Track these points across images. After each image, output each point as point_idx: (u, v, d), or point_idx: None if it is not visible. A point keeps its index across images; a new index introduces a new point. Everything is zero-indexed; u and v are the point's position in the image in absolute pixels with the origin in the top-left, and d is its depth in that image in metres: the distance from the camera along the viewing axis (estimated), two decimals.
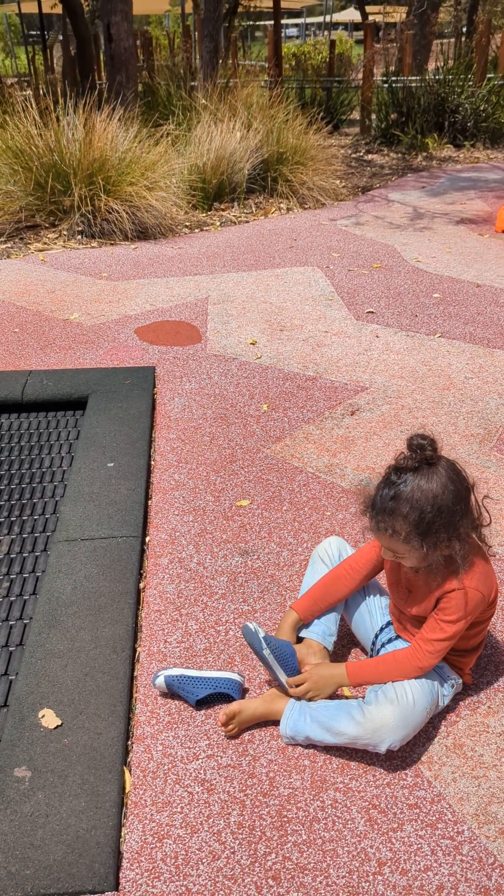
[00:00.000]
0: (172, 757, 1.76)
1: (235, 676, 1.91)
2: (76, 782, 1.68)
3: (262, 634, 1.85)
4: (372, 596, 2.01)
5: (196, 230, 6.44)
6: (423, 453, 1.61)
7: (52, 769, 1.71)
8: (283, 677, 1.84)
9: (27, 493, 2.80)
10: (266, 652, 1.83)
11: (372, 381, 3.61)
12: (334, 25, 34.01)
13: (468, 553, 1.66)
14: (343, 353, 3.92)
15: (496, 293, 4.78)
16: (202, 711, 1.88)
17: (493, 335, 4.12)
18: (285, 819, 1.62)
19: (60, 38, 17.75)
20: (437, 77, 10.40)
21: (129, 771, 1.74)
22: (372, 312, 4.48)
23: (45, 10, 18.03)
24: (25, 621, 2.21)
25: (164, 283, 5.03)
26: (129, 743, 1.81)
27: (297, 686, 1.81)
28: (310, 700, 1.81)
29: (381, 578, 2.28)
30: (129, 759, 1.77)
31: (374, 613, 1.99)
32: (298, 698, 1.82)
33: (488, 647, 2.07)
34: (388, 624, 1.96)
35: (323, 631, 1.96)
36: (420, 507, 1.58)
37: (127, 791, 1.69)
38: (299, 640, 1.99)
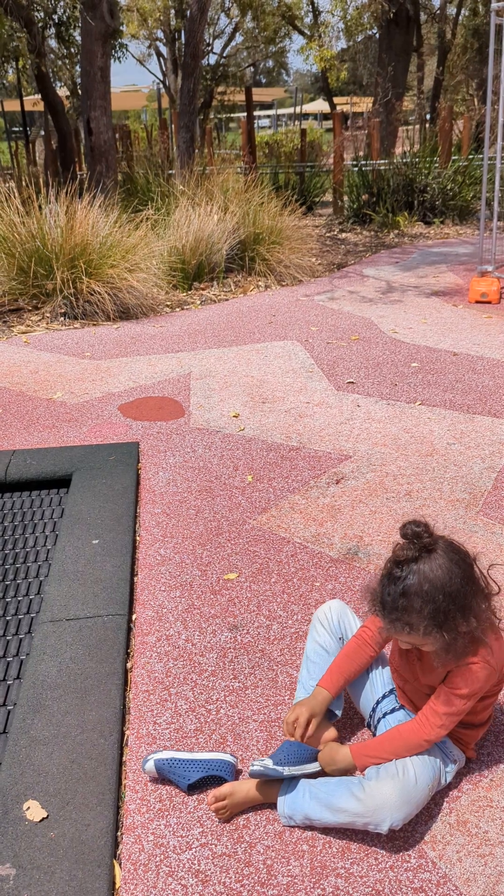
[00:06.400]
0: (164, 847, 1.68)
1: (228, 758, 1.84)
2: (64, 879, 1.59)
3: (270, 765, 1.72)
4: (374, 664, 1.96)
5: (177, 309, 6.58)
6: (420, 541, 1.58)
7: (37, 865, 1.62)
8: (311, 768, 1.76)
9: (10, 573, 2.75)
10: (287, 772, 1.72)
11: (355, 449, 3.63)
12: (304, 116, 35.68)
13: (485, 627, 1.63)
14: (325, 422, 3.96)
15: (473, 360, 4.88)
16: (194, 796, 1.80)
17: (473, 401, 4.18)
18: None
19: (42, 133, 18.49)
20: (404, 160, 10.88)
21: (119, 864, 1.65)
22: (352, 383, 4.55)
23: (28, 107, 18.83)
24: (9, 707, 2.13)
25: (146, 361, 5.09)
26: (119, 834, 1.72)
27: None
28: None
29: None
30: (118, 852, 1.68)
31: (375, 682, 1.93)
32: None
33: None
34: (391, 692, 1.91)
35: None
36: (432, 598, 1.55)
37: (117, 886, 1.60)
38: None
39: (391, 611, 1.60)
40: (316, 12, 17.87)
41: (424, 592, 1.56)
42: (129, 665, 2.25)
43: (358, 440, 3.73)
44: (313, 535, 2.90)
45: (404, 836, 1.68)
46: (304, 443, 3.72)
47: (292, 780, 1.73)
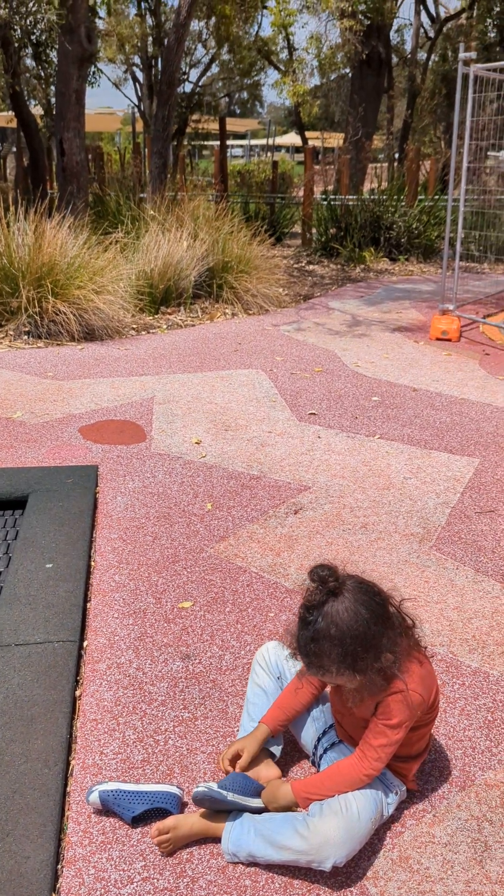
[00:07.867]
0: (105, 881, 1.65)
1: (174, 790, 1.83)
2: None
3: (214, 788, 1.73)
4: (315, 701, 1.97)
5: (143, 332, 6.59)
6: (326, 586, 1.63)
7: None
8: (254, 804, 1.76)
9: None
10: (231, 797, 1.73)
11: (314, 480, 3.66)
12: (276, 148, 36.22)
13: (401, 660, 1.66)
14: (286, 452, 3.99)
15: (432, 397, 4.98)
16: (138, 829, 1.78)
17: (430, 437, 4.26)
18: None
19: (14, 149, 18.46)
20: (372, 197, 11.12)
21: None
22: (314, 414, 4.60)
23: (0, 123, 18.81)
24: None
25: (109, 383, 5.08)
26: (59, 867, 1.69)
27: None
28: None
29: None
30: (58, 885, 1.65)
31: (316, 718, 1.95)
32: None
33: (431, 751, 2.03)
34: (330, 727, 1.92)
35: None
36: (339, 641, 1.60)
37: None
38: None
39: (305, 654, 1.65)
40: (291, 49, 18.26)
41: (332, 636, 1.60)
42: (77, 693, 2.22)
43: (317, 471, 3.77)
44: (270, 565, 2.91)
45: (346, 872, 1.68)
46: (264, 472, 3.74)
47: (237, 817, 1.73)
